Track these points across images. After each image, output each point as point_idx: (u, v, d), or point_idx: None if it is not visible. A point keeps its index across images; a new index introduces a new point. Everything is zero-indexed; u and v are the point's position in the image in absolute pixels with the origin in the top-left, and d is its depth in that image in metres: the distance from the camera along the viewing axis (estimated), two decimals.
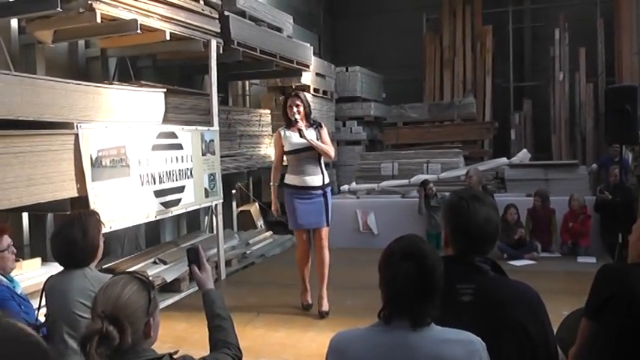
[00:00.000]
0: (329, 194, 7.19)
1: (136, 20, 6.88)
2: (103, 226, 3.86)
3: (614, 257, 8.48)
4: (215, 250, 8.61)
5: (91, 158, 5.90)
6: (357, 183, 12.50)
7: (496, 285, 2.77)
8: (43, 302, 3.74)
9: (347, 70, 15.74)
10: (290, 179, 7.14)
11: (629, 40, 14.87)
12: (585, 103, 15.85)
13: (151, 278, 7.04)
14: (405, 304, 2.39)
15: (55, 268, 3.95)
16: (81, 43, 8.53)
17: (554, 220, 9.96)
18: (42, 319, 3.80)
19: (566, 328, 4.15)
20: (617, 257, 8.00)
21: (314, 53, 13.01)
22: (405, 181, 11.86)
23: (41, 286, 3.74)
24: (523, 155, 12.59)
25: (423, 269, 2.40)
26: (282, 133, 7.04)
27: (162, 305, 7.16)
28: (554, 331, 4.33)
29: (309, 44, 12.14)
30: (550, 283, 7.66)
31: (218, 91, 8.79)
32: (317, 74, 13.72)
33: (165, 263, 8.00)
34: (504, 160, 12.54)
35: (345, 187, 12.63)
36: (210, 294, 3.00)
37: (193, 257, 3.00)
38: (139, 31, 6.97)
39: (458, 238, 2.85)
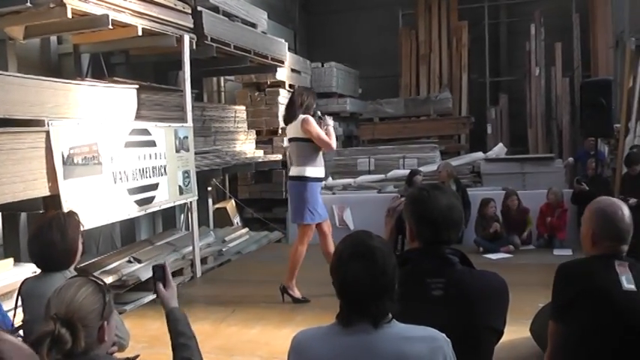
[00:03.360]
0: None
1: (107, 15, 6.79)
2: (82, 226, 3.79)
3: None
4: (190, 247, 8.54)
5: (63, 156, 5.80)
6: (333, 179, 12.47)
7: (465, 278, 2.77)
8: (19, 304, 3.65)
9: (322, 65, 15.72)
10: (316, 172, 7.10)
11: (604, 34, 15.02)
12: (561, 97, 15.96)
13: (124, 278, 6.98)
14: (362, 306, 2.34)
15: (29, 269, 3.89)
16: (53, 39, 8.43)
17: (529, 219, 9.96)
18: (18, 322, 3.72)
19: (540, 320, 4.17)
20: None
21: (289, 49, 12.98)
22: (381, 176, 11.87)
23: (14, 288, 3.66)
24: (499, 149, 12.64)
25: (373, 267, 2.34)
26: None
27: (136, 304, 7.14)
28: (529, 323, 4.35)
29: (284, 40, 12.08)
30: (526, 275, 7.69)
31: (192, 88, 8.71)
32: (292, 70, 13.69)
33: (139, 262, 7.92)
34: (480, 154, 12.58)
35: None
36: (174, 312, 2.93)
37: (159, 274, 2.93)
38: (110, 26, 6.88)
39: (423, 228, 2.84)
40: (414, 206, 2.88)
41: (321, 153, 7.11)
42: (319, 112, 7.24)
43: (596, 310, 3.11)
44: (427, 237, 2.83)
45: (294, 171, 7.16)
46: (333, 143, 7.09)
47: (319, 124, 7.02)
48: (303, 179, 6.99)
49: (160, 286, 2.91)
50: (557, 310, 3.28)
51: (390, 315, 2.37)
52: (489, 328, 2.72)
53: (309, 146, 6.96)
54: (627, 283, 3.11)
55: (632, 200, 8.27)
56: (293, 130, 7.03)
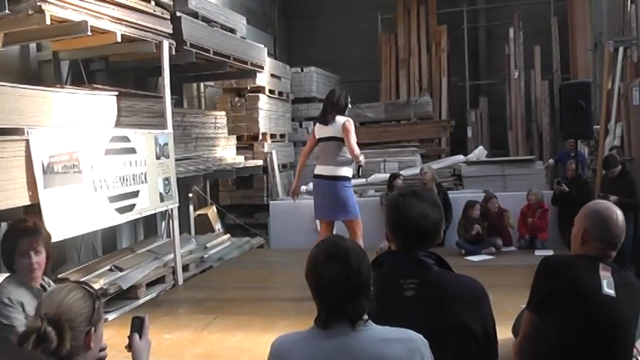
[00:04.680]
0: None
1: (86, 22, 6.73)
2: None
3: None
4: (172, 255, 8.50)
5: (43, 164, 5.75)
6: None
7: (440, 279, 2.80)
8: None
9: (302, 70, 15.71)
10: (350, 172, 7.38)
11: (582, 37, 15.14)
12: (541, 99, 16.09)
13: (106, 286, 6.93)
14: (339, 306, 2.39)
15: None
16: (32, 46, 8.35)
17: (507, 218, 9.99)
18: None
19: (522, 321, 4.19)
20: None
21: (269, 54, 12.95)
22: (362, 181, 11.85)
23: None
24: (479, 152, 12.70)
25: (348, 267, 2.39)
26: None
27: (118, 313, 7.09)
28: (512, 324, 4.36)
29: (263, 45, 12.05)
30: (508, 276, 7.72)
31: (172, 93, 8.67)
32: (272, 75, 13.67)
33: (121, 270, 7.87)
34: (461, 157, 12.64)
35: (303, 187, 12.56)
36: None
37: (137, 326, 2.87)
38: (89, 33, 6.81)
39: (395, 234, 2.90)
40: (389, 211, 2.94)
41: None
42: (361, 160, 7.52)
43: (571, 309, 3.15)
44: (399, 243, 2.89)
45: (328, 170, 7.32)
46: (356, 150, 7.20)
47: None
48: (341, 179, 7.26)
49: (137, 337, 2.85)
50: (533, 300, 3.32)
51: (367, 316, 2.41)
52: (463, 328, 2.72)
53: (342, 145, 7.22)
54: (607, 288, 3.14)
55: (613, 197, 8.33)
56: (331, 129, 7.24)
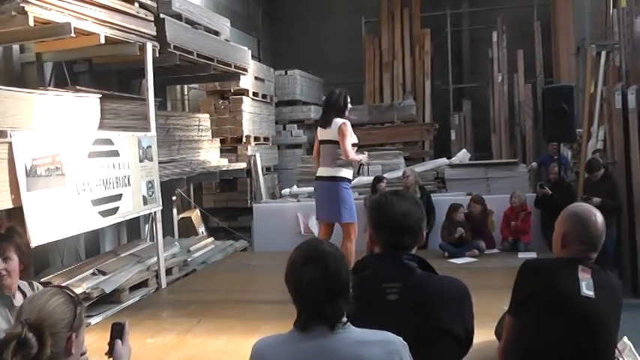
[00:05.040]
0: None
1: (69, 23, 6.71)
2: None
3: None
4: (155, 258, 8.46)
5: (26, 167, 5.70)
6: (298, 186, 12.47)
7: (422, 283, 2.82)
8: None
9: (286, 73, 15.72)
10: (349, 173, 7.39)
11: (565, 41, 15.24)
12: (524, 103, 16.17)
13: (89, 290, 6.88)
14: (318, 309, 2.42)
15: None
16: (15, 47, 8.30)
17: (491, 220, 10.03)
18: None
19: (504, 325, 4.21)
20: None
21: (253, 57, 12.94)
22: None
23: None
24: (463, 155, 12.72)
25: (326, 270, 2.43)
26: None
27: (101, 317, 7.04)
28: (495, 326, 4.38)
29: (247, 48, 12.05)
30: (491, 279, 7.73)
31: (156, 96, 8.64)
32: (256, 78, 13.67)
33: (104, 274, 7.82)
34: (444, 160, 12.66)
35: (286, 190, 12.59)
36: None
37: (118, 332, 2.85)
38: (73, 34, 6.79)
39: (379, 233, 2.93)
40: (372, 211, 2.99)
41: None
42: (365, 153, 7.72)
43: (550, 311, 3.17)
44: (384, 242, 2.92)
45: (326, 172, 7.36)
46: (349, 154, 7.18)
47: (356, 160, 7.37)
48: (339, 179, 7.27)
49: (118, 343, 2.83)
50: (514, 304, 3.34)
51: (346, 319, 2.44)
52: (446, 331, 2.75)
53: (335, 149, 7.23)
54: (586, 289, 3.16)
55: (596, 199, 8.38)
56: (330, 132, 7.27)
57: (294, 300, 2.48)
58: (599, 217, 3.29)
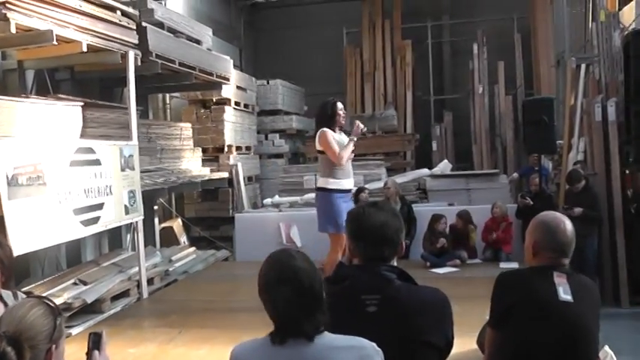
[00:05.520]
0: None
1: (51, 31, 6.67)
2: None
3: None
4: (137, 268, 8.41)
5: (7, 176, 5.65)
6: (279, 196, 12.45)
7: (401, 294, 2.81)
8: None
9: (268, 83, 15.73)
10: (340, 183, 7.31)
11: (546, 54, 15.38)
12: (505, 114, 16.27)
13: (70, 300, 6.81)
14: (296, 326, 2.44)
15: None
16: None
17: (474, 236, 10.05)
18: None
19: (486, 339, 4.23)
20: None
21: (235, 66, 12.93)
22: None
23: None
24: (444, 166, 12.77)
25: (300, 287, 2.45)
26: (332, 134, 7.23)
27: (83, 327, 6.98)
28: (477, 336, 4.40)
29: (229, 57, 12.04)
30: (472, 288, 7.73)
31: (138, 105, 8.60)
32: (238, 87, 13.66)
33: (85, 284, 7.77)
34: (426, 170, 12.69)
35: (268, 200, 12.57)
36: None
37: (95, 342, 2.82)
38: (55, 42, 6.76)
39: (357, 244, 2.92)
40: (350, 223, 2.98)
41: (346, 165, 7.32)
42: (356, 122, 7.61)
43: (531, 320, 3.19)
44: (362, 254, 2.91)
45: (318, 182, 7.45)
46: (341, 158, 7.18)
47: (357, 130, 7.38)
48: (326, 190, 7.26)
49: (96, 354, 2.80)
50: (494, 318, 3.36)
51: (322, 327, 2.47)
52: (426, 343, 2.75)
53: (329, 158, 7.19)
54: (564, 294, 3.19)
55: (578, 210, 8.45)
56: (317, 143, 7.29)
57: (270, 316, 2.51)
58: (567, 224, 3.33)
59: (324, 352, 2.42)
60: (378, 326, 2.69)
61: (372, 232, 2.86)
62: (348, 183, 7.37)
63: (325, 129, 7.20)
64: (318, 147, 7.25)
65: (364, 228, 2.88)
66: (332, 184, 7.24)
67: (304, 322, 2.43)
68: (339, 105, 7.44)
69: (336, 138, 7.23)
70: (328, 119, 7.31)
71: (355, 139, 7.36)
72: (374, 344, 2.48)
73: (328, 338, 2.47)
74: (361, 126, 7.51)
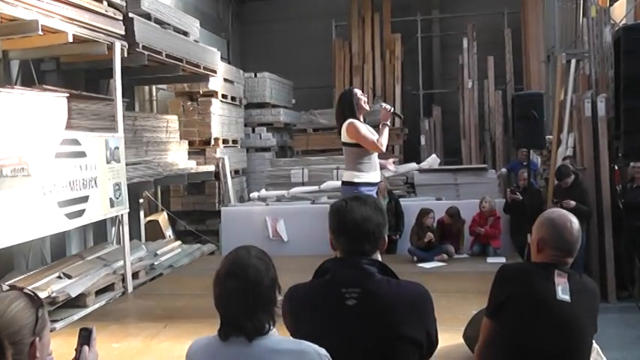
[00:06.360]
0: None
1: (36, 21, 6.60)
2: None
3: (524, 257, 8.66)
4: (122, 262, 8.33)
5: None
6: (266, 190, 12.39)
7: (381, 288, 2.80)
8: None
9: (256, 75, 15.69)
10: (368, 176, 6.93)
11: (536, 49, 15.39)
12: (494, 109, 16.31)
13: (54, 294, 6.73)
14: (237, 323, 2.46)
15: None
16: None
17: (463, 230, 10.02)
18: None
19: (473, 327, 4.23)
20: (527, 257, 8.14)
21: (222, 58, 12.88)
22: (315, 188, 11.82)
23: None
24: (432, 160, 12.73)
25: (246, 284, 2.47)
26: (360, 124, 6.88)
27: (67, 322, 6.91)
28: (463, 330, 4.38)
29: (216, 49, 11.97)
30: (460, 283, 7.73)
31: (124, 96, 8.53)
32: (225, 80, 13.61)
33: (70, 277, 7.69)
34: (414, 165, 12.65)
35: (255, 194, 12.51)
36: None
37: (85, 338, 2.76)
38: (40, 32, 6.69)
39: (338, 238, 2.91)
40: (332, 217, 2.95)
41: (373, 156, 6.98)
42: (383, 104, 7.31)
43: (526, 315, 3.22)
44: (343, 247, 2.90)
45: (345, 176, 7.07)
46: (382, 145, 6.88)
47: (386, 113, 7.01)
48: (353, 184, 6.83)
49: (85, 349, 2.74)
50: (491, 308, 3.39)
51: (268, 327, 2.49)
52: (406, 338, 2.74)
53: (357, 151, 6.86)
54: (562, 294, 3.21)
55: (571, 202, 8.48)
56: (342, 135, 6.94)
57: (216, 309, 2.53)
58: (574, 223, 3.35)
59: (265, 355, 2.44)
60: (357, 320, 2.70)
61: (353, 226, 2.84)
62: (375, 175, 7.02)
63: (352, 120, 6.82)
64: (346, 139, 6.88)
65: (345, 222, 2.86)
66: (359, 177, 6.88)
67: (245, 320, 2.45)
68: (357, 91, 7.11)
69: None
70: (351, 109, 6.93)
71: (388, 123, 7.04)
72: (316, 347, 2.48)
73: (272, 340, 2.48)
74: (388, 107, 7.16)
